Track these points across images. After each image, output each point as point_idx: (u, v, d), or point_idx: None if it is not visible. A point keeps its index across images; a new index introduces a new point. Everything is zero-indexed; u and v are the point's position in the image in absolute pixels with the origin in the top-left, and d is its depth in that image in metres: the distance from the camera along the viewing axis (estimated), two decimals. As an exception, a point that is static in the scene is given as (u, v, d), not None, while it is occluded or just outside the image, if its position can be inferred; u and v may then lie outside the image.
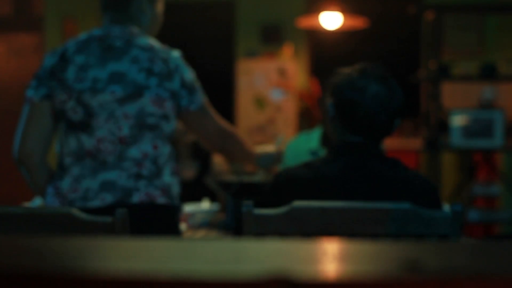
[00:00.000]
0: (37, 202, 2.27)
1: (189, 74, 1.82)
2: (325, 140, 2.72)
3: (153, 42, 1.82)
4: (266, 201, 1.61)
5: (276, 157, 2.20)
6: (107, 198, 1.71)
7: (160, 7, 1.94)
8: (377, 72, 1.65)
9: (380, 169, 1.59)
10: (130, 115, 1.73)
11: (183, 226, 2.21)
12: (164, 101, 1.75)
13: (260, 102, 6.13)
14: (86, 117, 1.74)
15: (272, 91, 6.14)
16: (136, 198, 1.71)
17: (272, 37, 6.51)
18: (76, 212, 1.45)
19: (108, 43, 1.78)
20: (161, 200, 1.74)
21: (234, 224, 2.27)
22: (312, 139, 2.76)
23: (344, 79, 1.64)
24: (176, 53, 1.82)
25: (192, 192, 2.88)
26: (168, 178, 1.77)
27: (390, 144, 6.01)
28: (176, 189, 1.79)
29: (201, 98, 1.84)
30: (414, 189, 1.58)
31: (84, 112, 1.74)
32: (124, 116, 1.73)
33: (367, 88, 1.61)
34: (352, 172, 1.58)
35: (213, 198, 2.83)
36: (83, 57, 1.77)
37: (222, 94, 6.92)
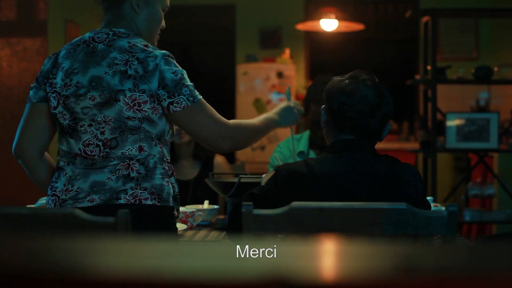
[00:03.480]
0: (40, 203, 2.29)
1: (173, 74, 1.73)
2: (312, 143, 2.79)
3: (135, 42, 1.76)
4: (266, 194, 1.65)
5: (296, 109, 2.07)
6: (96, 199, 1.73)
7: (160, 5, 1.87)
8: (366, 77, 1.70)
9: (376, 165, 1.63)
10: (109, 120, 1.73)
11: (182, 226, 2.23)
12: (141, 104, 1.72)
13: (260, 105, 6.15)
14: (73, 122, 1.77)
15: (271, 94, 6.16)
16: (123, 199, 1.72)
17: (271, 42, 6.54)
18: (78, 212, 1.46)
19: (92, 47, 1.78)
20: (149, 201, 1.73)
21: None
22: (301, 142, 2.83)
23: (335, 85, 1.71)
24: (158, 53, 1.74)
25: (193, 192, 2.88)
26: (159, 179, 1.75)
27: (389, 145, 6.05)
28: (168, 190, 1.77)
29: (188, 98, 1.73)
30: (405, 182, 1.63)
31: (70, 117, 1.77)
32: (105, 121, 1.73)
33: (356, 91, 1.67)
34: (349, 168, 1.63)
35: (213, 198, 2.85)
36: (69, 62, 1.78)
37: (224, 96, 6.94)
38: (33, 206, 2.21)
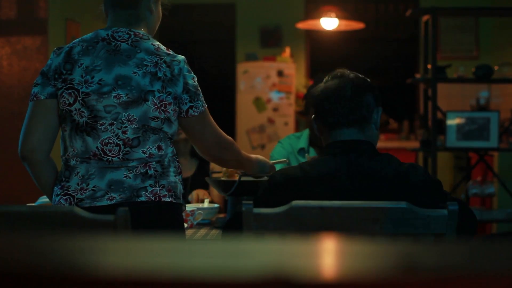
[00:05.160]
0: (41, 201, 2.29)
1: (192, 80, 1.80)
2: (312, 141, 2.81)
3: (158, 45, 1.80)
4: (263, 200, 1.65)
5: (270, 169, 2.18)
6: (115, 197, 1.73)
7: (161, 4, 1.93)
8: (339, 73, 1.74)
9: (372, 165, 1.63)
10: (134, 119, 1.73)
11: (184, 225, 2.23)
12: (167, 106, 1.75)
13: (260, 104, 6.15)
14: (91, 120, 1.74)
15: (272, 93, 6.16)
16: (144, 197, 1.73)
17: (271, 40, 6.54)
18: (78, 210, 1.46)
19: (114, 45, 1.76)
20: (167, 198, 1.76)
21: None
22: (302, 139, 2.85)
23: (314, 93, 1.75)
24: (180, 58, 1.80)
25: (191, 190, 2.88)
26: (173, 177, 1.79)
27: (389, 144, 6.05)
28: (180, 188, 1.81)
29: (202, 104, 1.82)
30: (410, 182, 1.61)
31: (89, 115, 1.74)
32: (128, 120, 1.73)
33: (331, 86, 1.71)
34: (342, 169, 1.63)
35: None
36: (89, 59, 1.75)
37: (225, 95, 6.93)
38: (33, 204, 2.21)
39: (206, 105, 1.84)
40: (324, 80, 1.77)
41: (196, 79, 1.82)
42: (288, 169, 1.68)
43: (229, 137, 1.94)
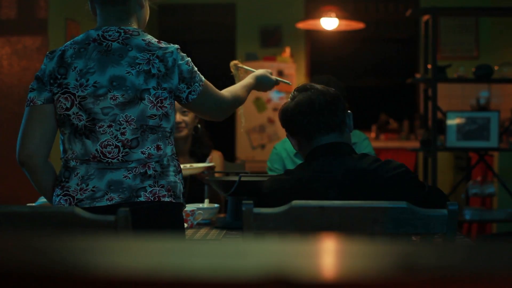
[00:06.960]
0: (41, 202, 2.29)
1: (187, 64, 1.78)
2: None
3: (149, 39, 1.78)
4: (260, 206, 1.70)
5: (271, 77, 2.23)
6: (115, 198, 1.73)
7: None
8: (305, 87, 1.82)
9: (354, 164, 1.69)
10: (132, 119, 1.73)
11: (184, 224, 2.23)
12: (163, 101, 1.75)
13: (260, 104, 6.15)
14: (90, 123, 1.74)
15: (272, 93, 6.16)
16: (143, 197, 1.73)
17: (271, 40, 6.54)
18: (79, 211, 1.46)
19: (106, 45, 1.75)
20: (166, 198, 1.76)
21: (234, 222, 2.29)
22: None
23: (284, 110, 1.84)
24: (173, 48, 1.77)
25: (190, 189, 2.88)
26: (172, 177, 1.78)
27: (389, 144, 6.05)
28: (180, 187, 1.81)
29: (199, 84, 1.81)
30: (384, 179, 1.65)
31: (87, 118, 1.74)
32: (126, 121, 1.73)
33: (301, 100, 1.80)
34: (321, 172, 1.69)
35: (211, 196, 2.84)
36: (82, 62, 1.74)
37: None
38: (33, 204, 2.21)
39: (203, 80, 1.83)
40: (291, 96, 1.84)
41: (190, 61, 1.80)
42: (275, 176, 1.77)
43: (228, 96, 1.94)
